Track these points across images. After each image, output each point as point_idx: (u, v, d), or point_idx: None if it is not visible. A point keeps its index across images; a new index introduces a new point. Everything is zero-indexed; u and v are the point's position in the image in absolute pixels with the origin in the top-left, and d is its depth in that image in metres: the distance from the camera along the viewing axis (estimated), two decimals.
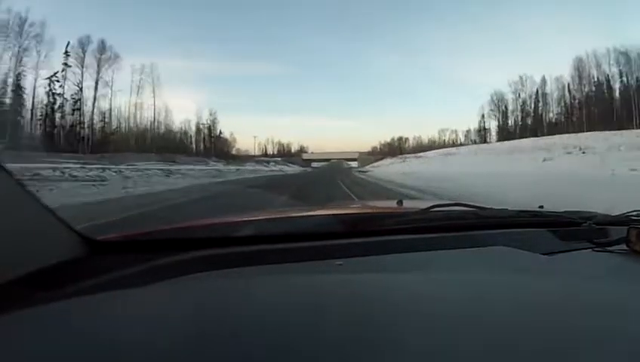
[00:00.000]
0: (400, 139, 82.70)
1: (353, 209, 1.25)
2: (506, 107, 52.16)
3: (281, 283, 0.45)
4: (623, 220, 0.81)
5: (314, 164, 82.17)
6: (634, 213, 0.83)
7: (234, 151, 60.33)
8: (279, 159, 75.10)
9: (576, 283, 0.50)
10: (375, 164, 62.81)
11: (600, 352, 0.28)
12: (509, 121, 52.57)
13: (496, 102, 53.17)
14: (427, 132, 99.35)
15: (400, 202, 1.16)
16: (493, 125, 55.77)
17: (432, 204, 0.87)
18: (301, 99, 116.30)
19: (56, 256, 0.48)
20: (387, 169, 42.98)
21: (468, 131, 72.60)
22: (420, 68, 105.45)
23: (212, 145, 50.44)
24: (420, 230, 0.72)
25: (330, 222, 0.77)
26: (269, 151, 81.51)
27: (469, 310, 0.35)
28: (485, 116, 56.71)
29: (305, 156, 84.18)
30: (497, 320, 0.33)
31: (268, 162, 61.10)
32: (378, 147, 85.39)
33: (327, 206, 1.40)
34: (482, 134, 57.12)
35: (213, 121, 52.25)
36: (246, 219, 0.83)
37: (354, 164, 77.82)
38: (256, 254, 0.60)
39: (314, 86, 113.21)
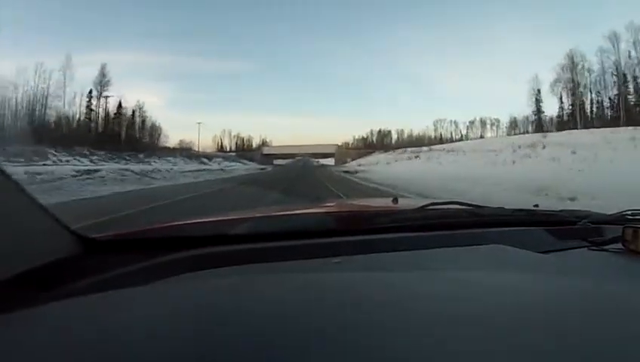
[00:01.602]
0: (380, 132, 67.12)
1: (349, 207, 1.24)
2: (573, 80, 35.44)
3: (278, 282, 0.45)
4: (618, 219, 0.81)
5: (277, 161, 65.07)
6: (629, 212, 0.83)
7: (172, 144, 43.17)
8: (233, 154, 57.43)
9: (572, 281, 0.49)
10: (362, 161, 46.21)
11: (596, 352, 0.27)
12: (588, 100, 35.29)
13: (569, 68, 35.39)
14: (408, 125, 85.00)
15: (395, 200, 1.11)
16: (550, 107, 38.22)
17: (428, 202, 0.86)
18: (264, 94, 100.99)
19: (52, 255, 0.48)
20: (398, 169, 26.18)
21: (471, 122, 58.59)
22: (398, 56, 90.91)
23: (95, 126, 30.57)
24: (416, 228, 0.72)
25: (327, 220, 0.78)
26: (226, 145, 66.14)
27: (465, 308, 0.35)
28: (535, 94, 39.59)
29: (265, 150, 65.44)
30: (493, 318, 0.33)
31: (210, 158, 42.34)
32: (350, 143, 70.70)
33: (322, 204, 1.36)
34: (539, 119, 40.11)
35: (102, 85, 32.11)
36: (241, 217, 0.80)
37: (328, 160, 61.48)
38: (252, 252, 0.60)
39: (275, 81, 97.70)
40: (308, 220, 0.80)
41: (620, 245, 0.65)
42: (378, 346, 0.27)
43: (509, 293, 0.40)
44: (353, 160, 51.36)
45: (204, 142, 65.12)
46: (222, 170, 30.31)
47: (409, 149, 42.74)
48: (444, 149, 33.92)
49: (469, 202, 0.90)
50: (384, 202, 1.32)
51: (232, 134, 68.79)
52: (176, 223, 0.70)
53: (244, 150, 64.51)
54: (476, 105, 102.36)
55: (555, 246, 0.70)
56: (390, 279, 0.46)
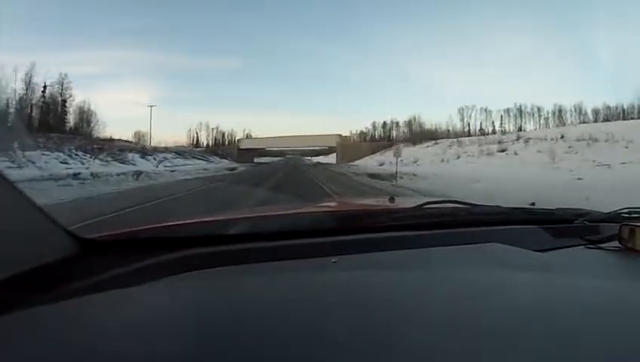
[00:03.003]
0: (385, 124, 52.92)
1: (346, 206, 1.23)
2: None
3: (275, 281, 0.45)
4: (615, 217, 0.82)
5: (260, 159, 50.12)
6: (625, 211, 0.83)
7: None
8: (197, 150, 42.85)
9: (569, 279, 0.49)
10: (381, 158, 31.66)
11: (595, 349, 0.28)
12: None
13: None
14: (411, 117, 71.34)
15: (392, 199, 1.09)
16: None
17: (424, 201, 0.85)
18: (253, 90, 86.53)
19: (48, 256, 0.48)
20: (496, 175, 11.61)
21: (506, 111, 44.80)
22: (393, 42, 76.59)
23: None
24: (413, 227, 0.72)
25: (324, 219, 0.78)
26: (203, 140, 53.05)
27: (463, 307, 0.35)
28: None
29: (244, 144, 50.12)
30: (491, 316, 0.33)
31: (147, 154, 27.19)
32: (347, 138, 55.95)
33: (319, 203, 1.33)
34: None
35: None
36: (237, 216, 0.80)
37: (325, 158, 46.95)
38: (249, 252, 0.60)
39: (264, 77, 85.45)
40: (304, 219, 0.78)
41: (616, 243, 0.66)
42: (377, 344, 0.27)
43: (507, 292, 0.40)
44: (362, 156, 36.84)
45: (179, 138, 53.01)
46: (136, 176, 15.15)
47: (466, 139, 28.27)
48: (557, 137, 19.06)
49: (466, 201, 0.88)
50: (381, 201, 1.27)
51: (210, 128, 55.04)
52: (173, 223, 0.70)
53: (223, 145, 51.18)
54: (493, 96, 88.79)
55: (552, 244, 0.70)
56: (387, 278, 0.46)
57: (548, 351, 0.27)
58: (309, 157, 60.95)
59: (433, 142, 32.04)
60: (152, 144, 38.32)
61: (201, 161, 34.30)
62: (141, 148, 28.42)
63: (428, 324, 0.31)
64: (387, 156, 32.26)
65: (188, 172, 20.42)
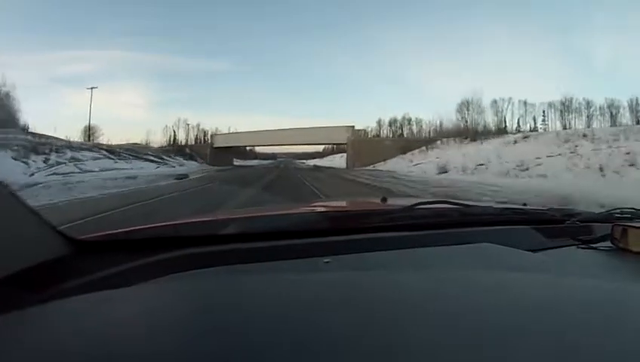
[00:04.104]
0: (395, 121, 42.28)
1: (338, 206, 1.24)
2: None
3: (268, 282, 0.44)
4: (607, 217, 0.82)
5: (244, 162, 38.89)
6: (617, 211, 0.84)
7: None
8: (153, 149, 32.64)
9: (562, 279, 0.49)
10: (427, 161, 20.99)
11: (587, 348, 0.28)
12: None
13: None
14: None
15: (384, 199, 1.09)
16: None
17: (416, 201, 0.85)
18: (245, 93, 77.06)
19: (39, 257, 0.47)
20: None
21: (550, 104, 34.11)
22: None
23: None
24: (405, 227, 0.72)
25: (316, 220, 0.78)
26: (181, 139, 43.92)
27: (455, 307, 0.35)
28: None
29: (219, 142, 38.72)
30: (483, 316, 0.33)
31: (35, 153, 15.15)
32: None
33: (311, 203, 1.34)
34: None
35: None
36: (231, 216, 0.80)
37: (321, 161, 36.20)
38: (242, 252, 0.60)
39: (257, 79, 76.54)
40: (297, 220, 0.78)
41: (608, 243, 0.66)
42: (371, 344, 0.28)
43: (499, 292, 0.40)
44: (386, 158, 26.01)
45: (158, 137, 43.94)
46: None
47: (598, 132, 17.66)
48: None
49: (458, 201, 0.89)
50: (373, 201, 1.25)
51: (187, 124, 44.72)
52: (165, 223, 0.69)
53: (205, 143, 41.76)
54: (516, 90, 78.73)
55: (544, 244, 0.71)
56: (379, 278, 0.46)
57: (541, 352, 0.27)
58: (303, 160, 49.80)
59: (515, 136, 21.27)
60: (109, 142, 27.06)
61: (150, 164, 22.92)
62: (34, 144, 16.77)
63: (422, 324, 0.31)
64: (436, 157, 21.20)
65: (74, 186, 9.26)
